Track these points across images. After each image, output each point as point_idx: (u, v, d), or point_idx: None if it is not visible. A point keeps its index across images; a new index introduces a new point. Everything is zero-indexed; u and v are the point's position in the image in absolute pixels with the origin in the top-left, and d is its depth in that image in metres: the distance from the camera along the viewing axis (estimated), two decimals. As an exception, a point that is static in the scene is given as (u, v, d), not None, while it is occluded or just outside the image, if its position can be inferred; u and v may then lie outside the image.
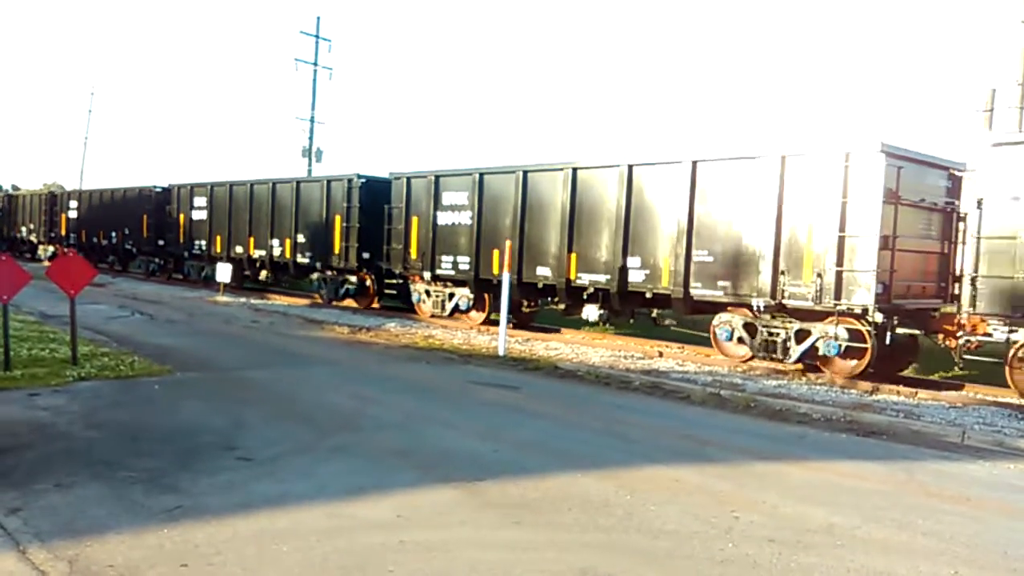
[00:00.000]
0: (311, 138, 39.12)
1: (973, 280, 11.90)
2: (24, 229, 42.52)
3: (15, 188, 72.42)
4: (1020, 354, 11.91)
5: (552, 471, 6.90)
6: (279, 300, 24.49)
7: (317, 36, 39.24)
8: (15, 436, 7.16)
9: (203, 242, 28.17)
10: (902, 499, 6.64)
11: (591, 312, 16.56)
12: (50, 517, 5.30)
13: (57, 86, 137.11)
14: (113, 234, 33.81)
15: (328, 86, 72.92)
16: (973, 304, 11.95)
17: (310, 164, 38.78)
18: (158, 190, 31.15)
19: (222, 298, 23.76)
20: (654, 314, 16.36)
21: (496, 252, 17.60)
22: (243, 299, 24.02)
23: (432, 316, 19.99)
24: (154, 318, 17.66)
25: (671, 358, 15.13)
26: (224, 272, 24.54)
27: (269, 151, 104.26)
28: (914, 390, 12.24)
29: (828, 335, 12.84)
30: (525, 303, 18.67)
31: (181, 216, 29.29)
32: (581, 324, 17.91)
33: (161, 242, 30.64)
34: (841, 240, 12.52)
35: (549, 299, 17.96)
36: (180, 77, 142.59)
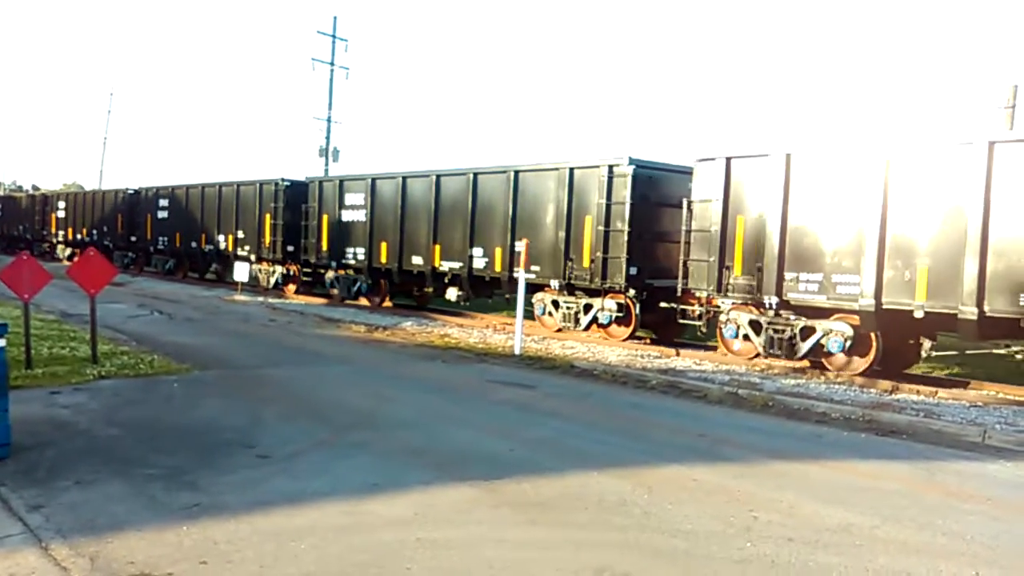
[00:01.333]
0: (328, 137, 39.26)
1: (685, 263, 15.06)
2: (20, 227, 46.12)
3: (35, 188, 73.23)
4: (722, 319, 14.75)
5: (568, 470, 6.90)
6: (297, 299, 24.62)
7: (334, 36, 39.38)
8: (37, 434, 7.23)
9: (165, 238, 32.09)
10: (922, 499, 6.58)
11: (452, 293, 20.05)
12: (71, 514, 5.36)
13: (77, 87, 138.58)
14: (94, 232, 37.40)
15: (345, 86, 73.19)
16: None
17: (327, 163, 38.91)
18: (130, 192, 35.01)
19: (240, 297, 23.91)
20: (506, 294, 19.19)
21: (384, 244, 21.50)
22: (261, 298, 24.17)
23: (342, 299, 23.43)
24: (173, 317, 17.79)
25: (688, 357, 15.07)
26: (242, 271, 24.73)
27: (287, 150, 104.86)
28: (934, 389, 12.14)
29: (606, 308, 16.35)
30: (425, 288, 21.70)
31: (148, 216, 33.09)
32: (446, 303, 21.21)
33: (133, 238, 34.45)
34: (606, 234, 16.08)
35: (421, 284, 21.44)
36: (199, 78, 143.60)
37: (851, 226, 12.70)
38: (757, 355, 14.34)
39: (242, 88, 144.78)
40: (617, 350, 15.63)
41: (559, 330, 17.54)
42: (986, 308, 11.30)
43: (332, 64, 39.31)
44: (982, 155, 11.37)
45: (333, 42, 39.35)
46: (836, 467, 7.49)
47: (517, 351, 14.27)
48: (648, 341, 17.15)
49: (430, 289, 21.14)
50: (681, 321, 15.91)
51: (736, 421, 9.45)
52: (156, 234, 32.61)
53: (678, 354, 15.32)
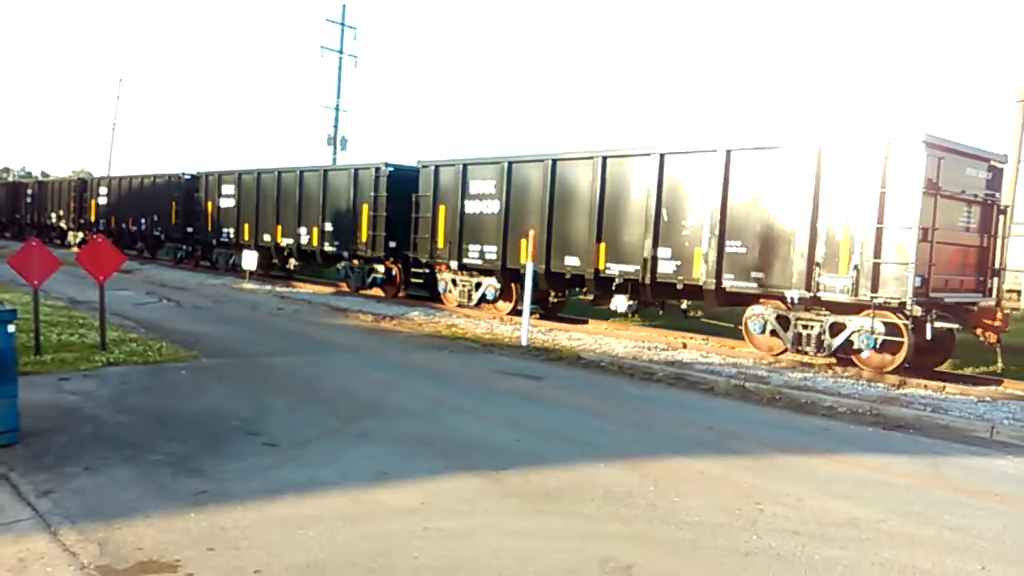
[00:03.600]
0: (336, 126, 39.23)
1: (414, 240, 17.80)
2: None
3: (44, 175, 73.43)
4: None
5: (574, 461, 6.91)
6: (304, 288, 24.64)
7: (343, 24, 39.28)
8: (45, 420, 7.27)
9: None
10: (928, 493, 6.57)
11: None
12: (80, 500, 5.39)
13: (86, 74, 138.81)
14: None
15: (353, 74, 72.91)
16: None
17: (335, 152, 38.91)
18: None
19: (248, 285, 23.95)
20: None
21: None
22: (269, 287, 24.20)
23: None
24: (181, 305, 17.85)
25: (695, 350, 15.06)
26: (250, 259, 24.71)
27: (295, 139, 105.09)
28: (942, 384, 12.10)
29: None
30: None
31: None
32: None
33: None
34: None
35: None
36: (207, 65, 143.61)
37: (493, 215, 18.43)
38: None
39: (250, 76, 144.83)
40: (624, 342, 15.61)
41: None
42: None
43: (341, 52, 39.26)
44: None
45: (342, 30, 39.28)
46: (843, 461, 7.49)
47: (524, 342, 14.28)
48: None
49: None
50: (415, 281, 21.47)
51: (743, 414, 9.44)
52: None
53: (685, 347, 15.30)
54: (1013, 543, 5.49)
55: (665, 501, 5.94)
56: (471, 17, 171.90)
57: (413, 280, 21.91)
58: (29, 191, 46.64)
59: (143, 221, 33.74)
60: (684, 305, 16.12)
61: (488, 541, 5.05)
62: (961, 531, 5.64)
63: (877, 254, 12.26)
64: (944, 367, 14.08)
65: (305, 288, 24.61)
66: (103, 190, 37.32)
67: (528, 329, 14.61)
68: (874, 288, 12.31)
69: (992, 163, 13.44)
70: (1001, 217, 13.62)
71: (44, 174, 76.40)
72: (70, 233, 39.92)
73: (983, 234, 13.49)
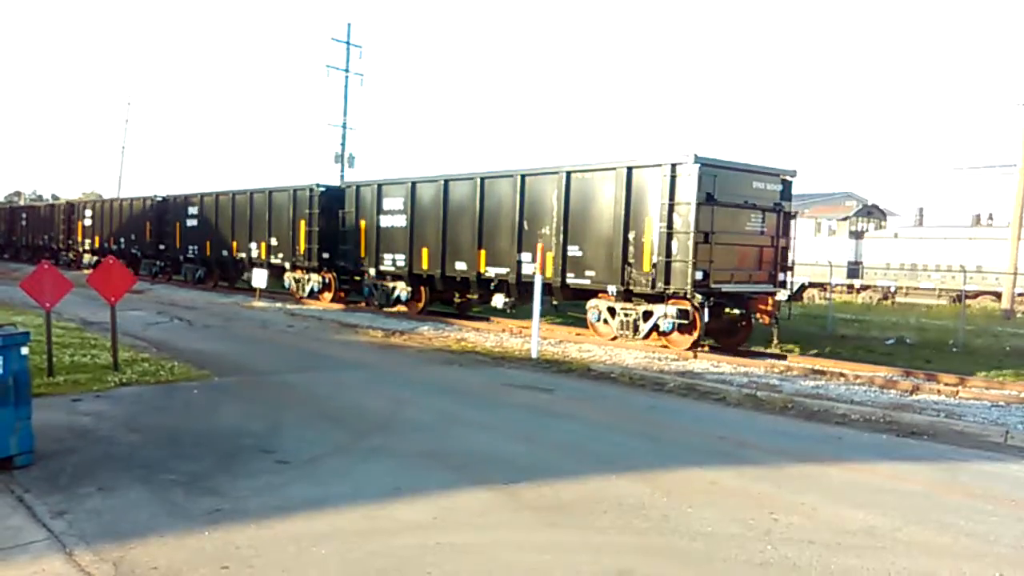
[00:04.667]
0: (343, 144, 39.37)
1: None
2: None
3: (55, 197, 74.02)
4: None
5: (587, 473, 6.89)
6: (314, 305, 24.72)
7: (348, 43, 39.50)
8: (59, 441, 7.31)
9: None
10: (944, 500, 6.53)
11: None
12: (94, 520, 5.41)
13: (96, 97, 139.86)
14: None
15: (360, 92, 73.39)
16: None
17: (343, 169, 39.01)
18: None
19: (258, 304, 24.03)
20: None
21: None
22: (279, 304, 24.28)
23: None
24: (192, 324, 17.92)
25: (705, 359, 15.02)
26: (260, 278, 24.82)
27: (303, 158, 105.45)
28: (955, 389, 12.05)
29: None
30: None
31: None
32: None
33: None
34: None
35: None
36: (215, 86, 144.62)
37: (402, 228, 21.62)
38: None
39: (258, 96, 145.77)
40: (634, 352, 15.60)
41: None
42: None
43: (347, 71, 39.46)
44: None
45: (347, 49, 39.50)
46: (857, 469, 7.44)
47: (534, 355, 14.27)
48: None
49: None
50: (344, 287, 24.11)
51: (755, 423, 9.41)
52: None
53: (695, 356, 15.28)
54: (1031, 549, 5.45)
55: (678, 512, 5.92)
56: (474, 34, 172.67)
57: (343, 287, 24.97)
58: (24, 215, 50.57)
59: (122, 240, 36.89)
60: (555, 303, 18.49)
61: (502, 555, 5.04)
62: (978, 537, 5.60)
63: (668, 254, 14.91)
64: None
65: (315, 305, 24.66)
66: (88, 212, 40.83)
67: (538, 342, 14.61)
68: (667, 281, 14.97)
69: (783, 177, 16.08)
70: (792, 222, 16.31)
71: (55, 197, 76.93)
72: (85, 256, 40.99)
73: (776, 236, 16.00)
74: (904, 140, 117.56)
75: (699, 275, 14.59)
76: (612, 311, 16.40)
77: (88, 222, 40.38)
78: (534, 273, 15.84)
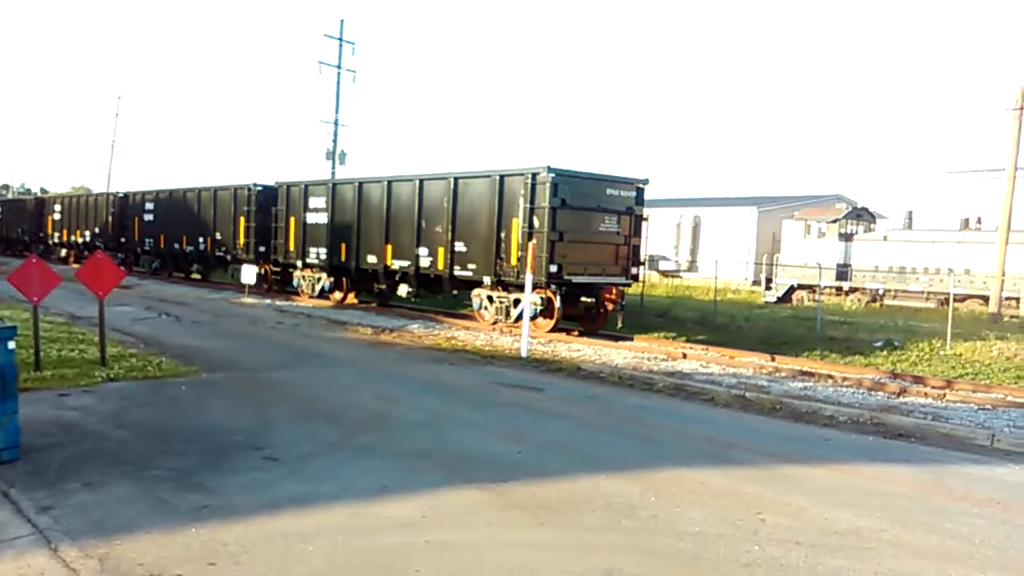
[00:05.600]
0: (335, 141, 39.23)
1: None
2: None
3: (43, 191, 73.63)
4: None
5: (576, 473, 6.90)
6: (303, 302, 24.66)
7: (341, 39, 39.36)
8: (45, 436, 7.26)
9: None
10: (930, 502, 6.57)
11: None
12: (81, 515, 5.38)
13: (86, 91, 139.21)
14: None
15: (352, 89, 73.32)
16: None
17: (334, 166, 38.90)
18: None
19: (247, 300, 23.94)
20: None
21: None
22: (268, 300, 24.23)
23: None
24: (180, 319, 17.84)
25: (695, 359, 15.06)
26: (249, 274, 24.72)
27: (295, 153, 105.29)
28: (942, 392, 12.11)
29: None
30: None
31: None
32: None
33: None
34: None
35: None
36: (207, 81, 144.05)
37: (324, 225, 23.86)
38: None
39: (250, 91, 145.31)
40: (623, 352, 15.63)
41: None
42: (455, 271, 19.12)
43: (339, 67, 39.33)
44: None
45: (340, 45, 39.37)
46: (844, 470, 7.48)
47: (524, 354, 14.28)
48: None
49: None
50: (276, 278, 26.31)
51: (743, 424, 9.44)
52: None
53: (685, 357, 15.32)
54: (1016, 551, 5.49)
55: (666, 512, 5.93)
56: (466, 32, 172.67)
57: (274, 278, 27.20)
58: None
59: (87, 233, 39.05)
60: (456, 292, 20.72)
61: (490, 554, 5.04)
62: (964, 540, 5.63)
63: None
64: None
65: (305, 302, 24.60)
66: (57, 207, 43.19)
67: (528, 341, 14.62)
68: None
69: (637, 185, 18.23)
70: (644, 224, 18.50)
71: (43, 190, 76.49)
72: (57, 248, 42.61)
73: (630, 236, 18.21)
74: (894, 143, 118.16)
75: (554, 268, 16.76)
76: (491, 299, 18.62)
77: (57, 216, 42.47)
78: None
